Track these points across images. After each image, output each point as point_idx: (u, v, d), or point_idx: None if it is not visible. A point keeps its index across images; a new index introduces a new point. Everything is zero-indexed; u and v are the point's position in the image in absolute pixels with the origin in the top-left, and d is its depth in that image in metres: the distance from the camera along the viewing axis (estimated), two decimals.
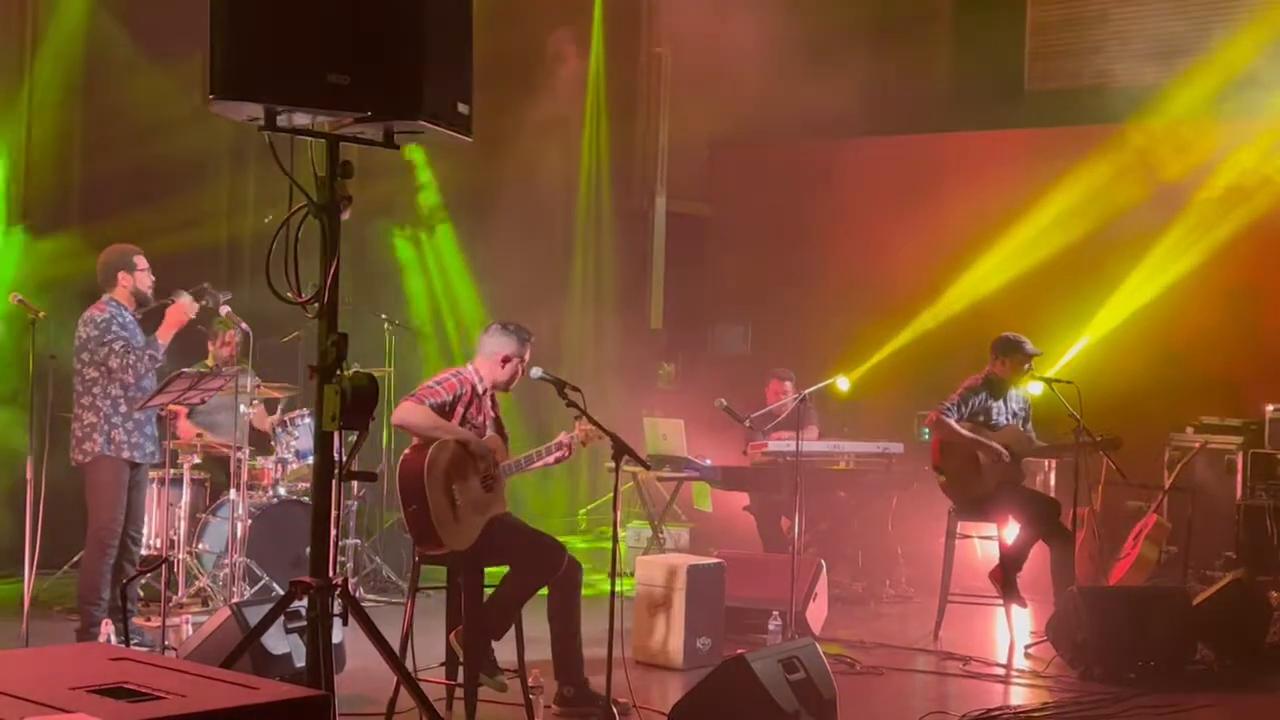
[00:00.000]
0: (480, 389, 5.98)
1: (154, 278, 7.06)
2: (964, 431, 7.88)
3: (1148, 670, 6.94)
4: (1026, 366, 8.09)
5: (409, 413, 5.79)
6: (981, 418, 8.02)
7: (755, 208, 12.42)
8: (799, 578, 7.44)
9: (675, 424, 9.67)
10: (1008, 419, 8.06)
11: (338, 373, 4.00)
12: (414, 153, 11.02)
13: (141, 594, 7.75)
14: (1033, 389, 8.31)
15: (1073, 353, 10.68)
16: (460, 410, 5.89)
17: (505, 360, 6.00)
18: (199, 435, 8.25)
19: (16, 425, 8.03)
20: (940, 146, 11.87)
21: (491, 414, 6.07)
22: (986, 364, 8.15)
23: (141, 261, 7.01)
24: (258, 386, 8.28)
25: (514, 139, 11.40)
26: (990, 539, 8.18)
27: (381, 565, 8.90)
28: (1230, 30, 10.65)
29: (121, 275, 6.95)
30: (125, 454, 6.82)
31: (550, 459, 6.03)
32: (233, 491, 7.79)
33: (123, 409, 6.82)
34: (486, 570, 5.86)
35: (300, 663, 5.47)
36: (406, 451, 5.82)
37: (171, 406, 7.10)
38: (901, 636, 7.98)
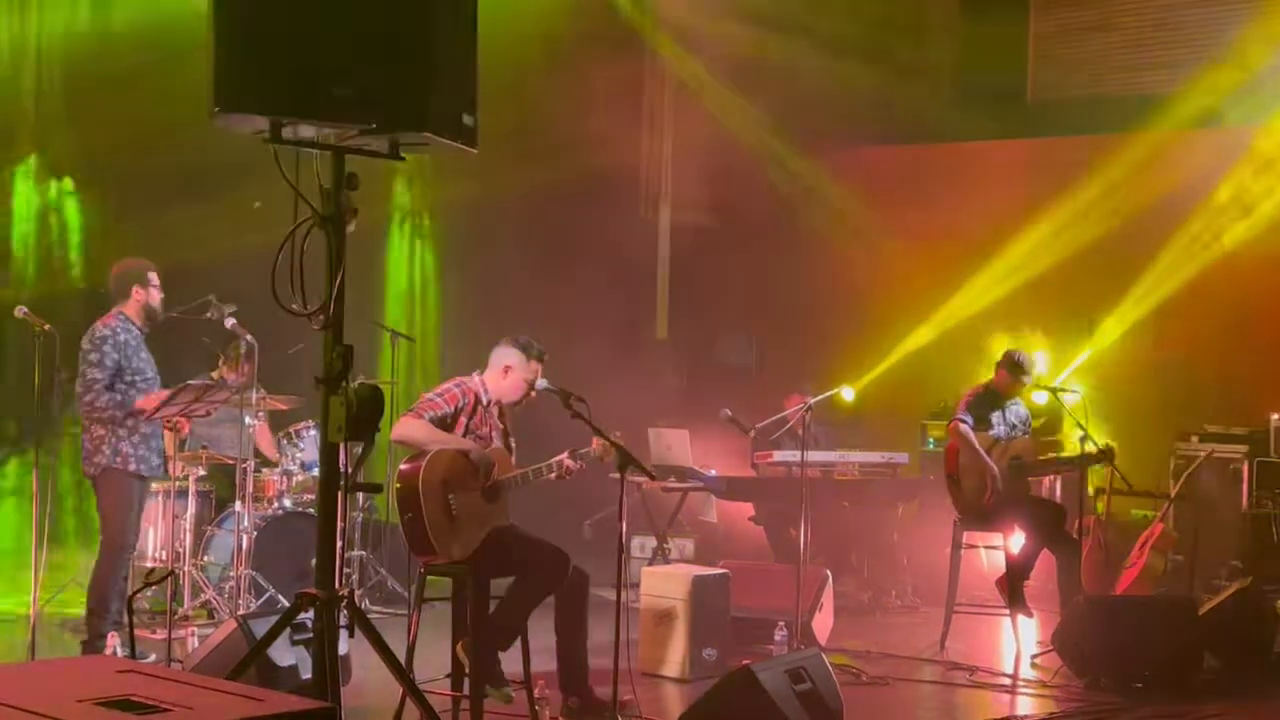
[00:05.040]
0: (485, 400, 5.99)
1: (163, 294, 7.07)
2: (978, 447, 7.88)
3: (1154, 680, 6.92)
4: (1024, 379, 8.15)
5: (407, 427, 5.81)
6: (982, 425, 8.02)
7: (760, 218, 12.42)
8: (805, 588, 7.43)
9: (680, 434, 9.67)
10: (1006, 430, 8.06)
11: (343, 384, 4.01)
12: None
13: (148, 606, 7.75)
14: (1037, 398, 8.31)
15: (1078, 362, 10.67)
16: (464, 420, 5.90)
17: (506, 370, 6.02)
18: (203, 448, 8.24)
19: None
20: (944, 156, 11.87)
21: (500, 426, 6.07)
22: (991, 374, 8.20)
23: (154, 277, 7.02)
24: (262, 398, 8.28)
25: (518, 148, 11.39)
26: (996, 549, 8.17)
27: (387, 577, 8.90)
28: (1232, 40, 10.66)
29: (135, 289, 6.96)
30: (132, 467, 6.81)
31: (551, 475, 6.03)
32: (238, 503, 7.79)
33: (129, 421, 6.81)
34: (493, 581, 5.86)
35: (306, 674, 5.48)
36: (404, 462, 5.83)
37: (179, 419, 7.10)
38: (908, 646, 7.97)
